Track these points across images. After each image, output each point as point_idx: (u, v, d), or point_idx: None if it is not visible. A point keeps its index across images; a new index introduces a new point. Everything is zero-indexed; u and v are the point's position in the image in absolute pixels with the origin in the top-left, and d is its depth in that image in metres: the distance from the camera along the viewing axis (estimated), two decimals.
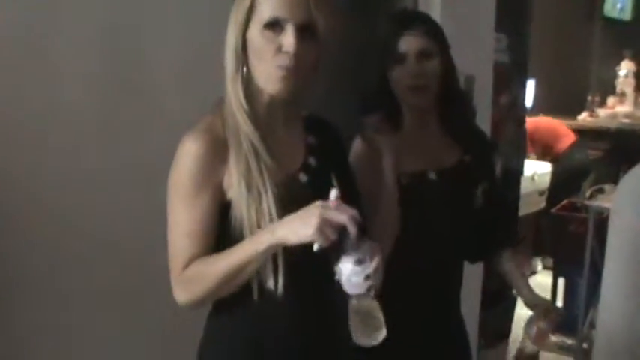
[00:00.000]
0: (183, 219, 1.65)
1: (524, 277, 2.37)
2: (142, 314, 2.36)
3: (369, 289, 1.56)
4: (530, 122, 6.11)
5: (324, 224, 1.49)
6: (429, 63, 2.10)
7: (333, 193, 1.55)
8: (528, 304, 2.26)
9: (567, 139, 6.35)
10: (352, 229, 1.51)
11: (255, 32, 1.64)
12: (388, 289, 2.01)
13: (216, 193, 1.65)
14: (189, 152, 1.64)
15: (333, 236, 1.51)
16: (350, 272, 1.54)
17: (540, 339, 2.24)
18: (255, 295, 1.66)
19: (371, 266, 1.55)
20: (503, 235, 2.38)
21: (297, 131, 1.81)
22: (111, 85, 2.31)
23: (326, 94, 1.82)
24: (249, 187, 1.63)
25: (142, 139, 2.38)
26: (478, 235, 2.26)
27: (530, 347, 2.21)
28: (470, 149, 2.23)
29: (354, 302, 1.58)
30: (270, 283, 1.64)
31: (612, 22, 8.32)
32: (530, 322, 2.21)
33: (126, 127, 2.35)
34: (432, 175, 2.14)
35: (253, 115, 1.68)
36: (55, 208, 2.19)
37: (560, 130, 6.42)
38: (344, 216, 1.51)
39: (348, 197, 1.75)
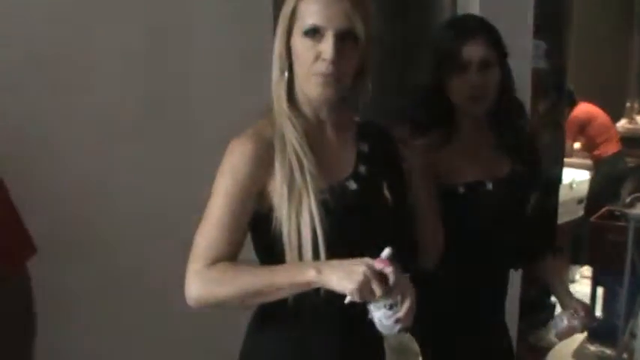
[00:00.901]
0: (220, 216, 1.64)
1: (564, 283, 2.37)
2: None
3: (399, 331, 1.59)
4: (586, 111, 6.06)
5: (366, 284, 1.50)
6: (490, 73, 2.08)
7: (386, 252, 1.56)
8: (567, 305, 2.28)
9: (614, 145, 6.29)
10: (380, 293, 1.52)
11: (297, 39, 1.66)
12: (440, 295, 2.05)
13: (258, 196, 1.65)
14: (237, 154, 1.65)
15: (369, 297, 1.52)
16: (381, 315, 1.57)
17: (566, 335, 2.25)
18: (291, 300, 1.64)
19: (402, 311, 1.56)
20: (546, 243, 2.38)
21: (350, 138, 1.80)
22: (149, 90, 2.33)
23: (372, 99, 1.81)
24: (290, 191, 1.63)
25: (183, 146, 2.40)
26: (523, 242, 2.26)
27: (544, 341, 2.24)
28: (520, 159, 2.21)
29: (388, 339, 1.65)
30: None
31: None
32: (562, 315, 2.22)
33: (164, 134, 2.37)
34: (489, 186, 2.14)
35: (300, 120, 1.70)
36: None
37: (612, 131, 6.36)
38: (380, 290, 1.52)
39: (398, 207, 1.77)
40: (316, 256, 1.61)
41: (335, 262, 1.56)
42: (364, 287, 1.50)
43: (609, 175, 6.20)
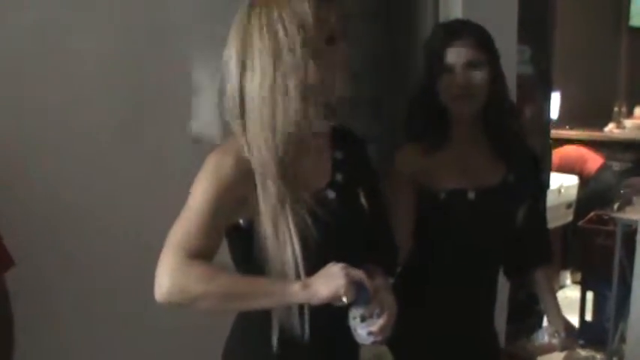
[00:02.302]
0: (201, 209, 1.58)
1: (553, 294, 2.36)
2: None
3: (373, 343, 1.61)
4: (556, 154, 6.07)
5: (350, 280, 1.53)
6: (477, 73, 2.09)
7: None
8: (551, 321, 2.26)
9: (594, 162, 6.30)
10: (369, 286, 1.56)
11: None
12: (422, 301, 2.05)
13: (237, 206, 1.63)
14: (217, 162, 1.63)
15: (354, 294, 1.54)
16: (355, 324, 1.59)
17: (544, 352, 2.25)
18: (275, 344, 1.65)
19: (376, 324, 1.58)
20: (542, 253, 2.36)
21: (325, 145, 1.80)
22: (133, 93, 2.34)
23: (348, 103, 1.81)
24: (271, 204, 1.62)
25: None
26: (518, 252, 2.26)
27: (525, 353, 2.23)
28: (515, 167, 2.21)
29: (362, 349, 1.67)
30: (297, 330, 1.64)
31: (638, 32, 8.26)
32: (544, 332, 2.22)
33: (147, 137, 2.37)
34: (471, 195, 2.13)
35: None
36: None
37: (587, 155, 6.37)
38: (364, 278, 1.55)
39: (374, 211, 1.78)
40: (296, 269, 1.60)
41: (312, 277, 1.56)
42: (349, 283, 1.52)
43: (598, 189, 6.21)
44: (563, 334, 2.21)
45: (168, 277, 1.52)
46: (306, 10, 1.60)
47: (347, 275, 1.52)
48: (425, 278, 2.15)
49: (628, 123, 7.26)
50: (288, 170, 1.63)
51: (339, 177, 1.76)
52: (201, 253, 1.56)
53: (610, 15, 8.16)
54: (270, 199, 1.61)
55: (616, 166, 6.48)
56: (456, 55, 2.08)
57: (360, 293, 1.54)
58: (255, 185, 1.63)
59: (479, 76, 2.09)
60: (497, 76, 2.14)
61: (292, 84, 1.60)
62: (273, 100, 1.60)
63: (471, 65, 2.08)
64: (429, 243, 2.09)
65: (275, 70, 1.60)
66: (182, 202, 1.62)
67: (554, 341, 2.22)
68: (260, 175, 1.62)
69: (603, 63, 7.79)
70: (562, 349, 2.29)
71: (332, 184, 1.74)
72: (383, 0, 3.58)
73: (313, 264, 1.59)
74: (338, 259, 1.57)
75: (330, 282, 1.53)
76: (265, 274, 1.62)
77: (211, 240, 1.59)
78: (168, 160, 2.40)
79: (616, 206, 4.99)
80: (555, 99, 5.97)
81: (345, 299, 1.53)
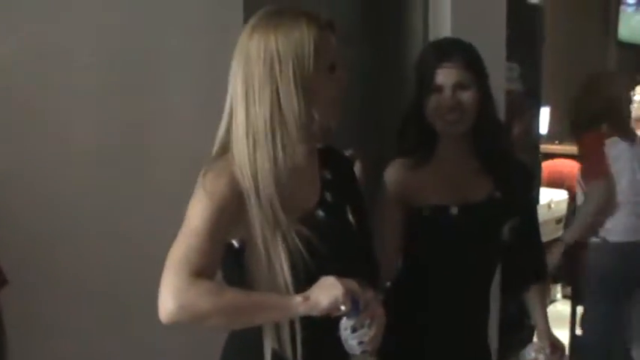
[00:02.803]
0: (200, 229, 1.59)
1: (544, 310, 2.38)
2: None
3: (363, 352, 1.65)
4: (545, 168, 6.08)
5: (347, 289, 1.57)
6: (465, 94, 2.12)
7: None
8: (540, 337, 2.29)
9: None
10: (361, 298, 1.60)
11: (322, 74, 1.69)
12: (412, 317, 2.07)
13: (232, 227, 1.66)
14: (213, 182, 1.65)
15: (349, 304, 1.58)
16: (346, 335, 1.63)
17: None
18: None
19: (367, 334, 1.62)
20: (537, 270, 2.38)
21: (313, 165, 1.83)
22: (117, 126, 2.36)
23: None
24: (264, 225, 1.65)
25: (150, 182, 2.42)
26: (513, 269, 2.29)
27: None
28: (502, 183, 2.22)
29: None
30: (289, 353, 1.68)
31: (628, 47, 8.31)
32: (531, 348, 2.23)
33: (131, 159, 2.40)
34: (454, 211, 2.15)
35: None
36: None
37: (565, 170, 6.39)
38: (358, 287, 1.60)
39: (361, 231, 1.82)
40: (286, 288, 1.64)
41: (310, 290, 1.60)
42: (347, 293, 1.56)
43: None
44: (548, 351, 2.23)
45: (173, 297, 1.52)
46: (306, 38, 1.64)
47: (343, 285, 1.57)
48: (413, 293, 2.17)
49: None
50: (278, 193, 1.66)
51: (328, 196, 1.80)
52: (203, 272, 1.56)
53: (599, 29, 8.22)
54: (261, 221, 1.64)
55: None
56: (445, 76, 2.11)
57: (352, 304, 1.58)
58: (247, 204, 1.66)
59: (467, 96, 2.11)
60: (485, 96, 2.17)
61: (288, 115, 1.65)
62: (264, 130, 1.65)
63: (459, 86, 2.11)
64: (416, 259, 2.12)
65: (271, 99, 1.64)
66: (178, 220, 1.65)
67: (541, 357, 2.23)
68: (250, 196, 1.65)
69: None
70: None
71: (321, 204, 1.78)
72: (373, 17, 3.62)
73: (303, 281, 1.63)
74: (325, 275, 1.61)
75: (329, 292, 1.57)
76: None
77: (211, 259, 1.60)
78: (164, 177, 2.42)
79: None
80: (545, 114, 6.00)
81: (343, 308, 1.57)
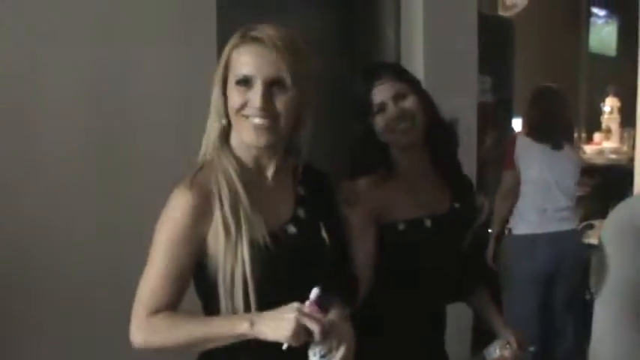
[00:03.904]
0: (162, 265, 1.69)
1: (496, 309, 2.42)
2: None
3: None
4: None
5: (299, 329, 1.57)
6: (406, 101, 2.16)
7: (314, 293, 1.62)
8: (500, 334, 2.31)
9: None
10: (318, 337, 1.59)
11: (231, 87, 1.74)
12: (382, 331, 2.10)
13: (198, 247, 1.70)
14: (180, 204, 1.70)
15: (308, 338, 1.59)
16: None
17: None
18: None
19: (335, 357, 1.62)
20: (485, 274, 2.43)
21: (288, 182, 1.86)
22: (95, 137, 2.37)
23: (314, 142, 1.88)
24: (227, 239, 1.68)
25: (126, 192, 2.44)
26: (462, 275, 2.32)
27: None
28: (458, 194, 2.28)
29: None
30: None
31: (598, 58, 8.41)
32: (495, 345, 2.25)
33: (108, 180, 2.41)
34: (428, 223, 2.18)
35: (239, 167, 1.75)
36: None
37: None
38: (317, 327, 1.58)
39: (335, 244, 1.83)
40: (247, 304, 1.67)
41: (266, 314, 1.62)
42: (298, 332, 1.56)
43: None
44: (514, 345, 2.26)
45: (137, 330, 1.68)
46: (227, 49, 1.75)
47: (297, 324, 1.56)
48: (386, 306, 2.18)
49: (588, 149, 7.38)
50: (245, 207, 1.71)
51: (300, 212, 1.82)
52: (166, 305, 1.68)
53: (569, 41, 8.31)
54: (225, 237, 1.68)
55: (577, 190, 6.57)
56: (381, 93, 2.16)
57: (318, 329, 1.58)
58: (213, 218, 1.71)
59: (409, 103, 2.16)
60: (426, 102, 2.22)
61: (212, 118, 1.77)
62: (211, 128, 1.78)
63: (398, 96, 2.16)
64: (390, 273, 2.13)
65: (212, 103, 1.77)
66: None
67: (506, 353, 2.24)
68: (217, 209, 1.70)
69: (564, 89, 7.94)
70: None
71: (293, 219, 1.80)
72: (346, 32, 3.66)
73: (274, 296, 1.65)
74: (296, 292, 1.62)
75: (278, 327, 1.58)
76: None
77: (176, 288, 1.70)
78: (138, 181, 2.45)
79: (579, 229, 5.08)
80: (517, 125, 6.07)
81: (285, 347, 1.58)
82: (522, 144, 4.27)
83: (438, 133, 2.24)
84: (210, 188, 1.72)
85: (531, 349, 2.55)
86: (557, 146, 4.25)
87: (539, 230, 4.20)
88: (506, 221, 4.31)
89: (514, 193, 4.27)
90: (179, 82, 2.56)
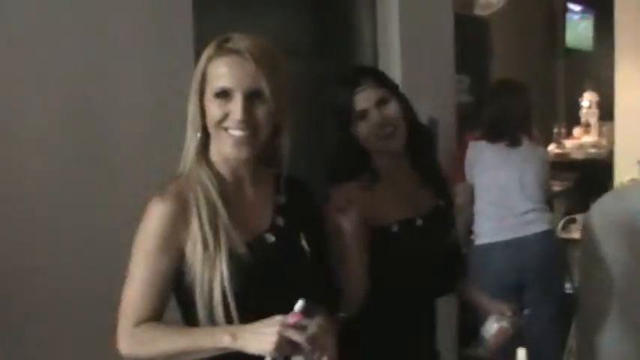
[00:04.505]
0: (142, 276, 1.71)
1: (479, 291, 2.48)
2: None
3: None
4: None
5: (281, 342, 1.56)
6: (389, 107, 2.18)
7: (298, 305, 1.62)
8: (491, 310, 2.36)
9: None
10: (306, 347, 1.58)
11: (208, 100, 1.74)
12: (374, 334, 2.10)
13: (177, 255, 1.71)
14: (156, 213, 1.71)
15: (291, 351, 1.58)
16: None
17: (499, 339, 2.28)
18: None
19: None
20: (460, 267, 2.46)
21: (267, 191, 1.87)
22: (73, 155, 2.38)
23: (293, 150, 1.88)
24: (204, 250, 1.69)
25: (105, 208, 2.44)
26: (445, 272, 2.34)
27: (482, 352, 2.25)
28: (441, 191, 2.32)
29: None
30: None
31: (575, 53, 8.45)
32: (489, 321, 2.27)
33: (88, 196, 2.41)
34: (419, 222, 2.20)
35: (216, 178, 1.77)
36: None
37: None
38: (301, 338, 1.57)
39: (318, 257, 1.84)
40: (228, 314, 1.68)
41: (248, 327, 1.62)
42: (281, 345, 1.55)
43: None
44: (508, 313, 2.30)
45: (122, 340, 1.71)
46: (202, 60, 1.76)
47: (279, 337, 1.55)
48: (380, 308, 2.17)
49: (568, 143, 7.42)
50: (224, 219, 1.72)
51: (279, 221, 1.83)
52: (150, 315, 1.71)
53: (545, 38, 8.35)
54: (203, 251, 1.69)
55: (558, 185, 6.61)
56: (364, 98, 2.17)
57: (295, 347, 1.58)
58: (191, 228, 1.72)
59: (392, 108, 2.18)
60: (405, 105, 2.24)
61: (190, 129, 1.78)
62: (188, 140, 1.79)
63: (381, 102, 2.17)
64: (383, 275, 2.12)
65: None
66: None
67: (504, 323, 2.28)
68: (195, 221, 1.71)
69: (541, 85, 7.97)
70: (514, 328, 2.33)
71: (271, 228, 1.81)
72: (322, 33, 3.67)
73: (254, 306, 1.67)
74: (275, 301, 1.63)
75: (259, 340, 1.58)
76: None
77: (158, 297, 1.72)
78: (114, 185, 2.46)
79: (561, 225, 5.12)
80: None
81: (267, 358, 1.58)
82: (474, 150, 4.01)
83: (417, 137, 2.25)
84: (187, 197, 1.73)
85: (525, 312, 2.57)
86: (513, 142, 3.96)
87: (496, 239, 3.95)
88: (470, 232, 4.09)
89: (469, 205, 4.03)
90: (155, 85, 2.57)
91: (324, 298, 1.78)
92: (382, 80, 2.24)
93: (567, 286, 4.62)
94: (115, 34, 2.49)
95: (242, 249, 1.70)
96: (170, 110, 2.35)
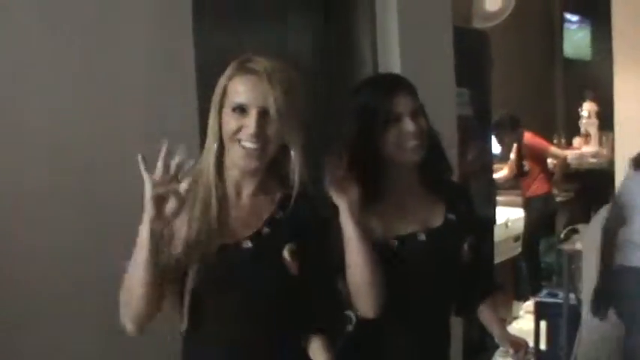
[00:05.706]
0: (143, 262, 1.78)
1: (498, 318, 2.42)
2: None
3: None
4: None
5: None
6: (422, 120, 2.12)
7: None
8: (501, 343, 2.31)
9: (546, 185, 6.50)
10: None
11: (226, 114, 1.87)
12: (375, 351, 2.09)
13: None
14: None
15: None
16: None
17: None
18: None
19: None
20: (486, 287, 2.42)
21: (267, 205, 1.94)
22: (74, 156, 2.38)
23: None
24: (187, 246, 1.84)
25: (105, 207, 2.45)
26: (466, 290, 2.30)
27: None
28: (453, 206, 2.25)
29: None
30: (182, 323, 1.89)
31: (573, 63, 8.48)
32: (496, 356, 2.25)
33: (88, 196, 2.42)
34: (422, 237, 2.16)
35: (221, 183, 1.90)
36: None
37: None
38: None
39: (308, 271, 1.90)
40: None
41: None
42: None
43: (541, 213, 6.36)
44: (512, 351, 2.25)
45: (122, 320, 1.83)
46: (223, 78, 1.89)
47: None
48: (381, 325, 2.15)
49: (568, 153, 7.44)
50: (213, 212, 1.86)
51: (265, 230, 1.91)
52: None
53: (544, 48, 8.38)
54: (187, 238, 1.85)
55: (557, 195, 6.62)
56: (403, 104, 2.10)
57: None
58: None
59: (424, 123, 2.13)
60: (428, 123, 2.19)
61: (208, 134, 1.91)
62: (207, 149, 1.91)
63: (416, 113, 2.11)
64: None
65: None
66: None
67: (514, 358, 2.25)
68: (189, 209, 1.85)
69: (542, 96, 7.99)
70: None
71: (253, 236, 1.89)
72: (323, 54, 3.68)
73: (206, 303, 1.85)
74: (232, 303, 1.85)
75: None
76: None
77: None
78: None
79: (563, 235, 5.12)
80: None
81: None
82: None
83: (433, 156, 2.19)
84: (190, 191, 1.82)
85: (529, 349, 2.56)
86: None
87: None
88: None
89: None
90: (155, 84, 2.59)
91: (309, 310, 1.92)
92: (416, 93, 2.17)
93: (571, 296, 4.64)
94: (115, 42, 2.50)
95: (213, 249, 1.84)
96: (170, 112, 2.38)
